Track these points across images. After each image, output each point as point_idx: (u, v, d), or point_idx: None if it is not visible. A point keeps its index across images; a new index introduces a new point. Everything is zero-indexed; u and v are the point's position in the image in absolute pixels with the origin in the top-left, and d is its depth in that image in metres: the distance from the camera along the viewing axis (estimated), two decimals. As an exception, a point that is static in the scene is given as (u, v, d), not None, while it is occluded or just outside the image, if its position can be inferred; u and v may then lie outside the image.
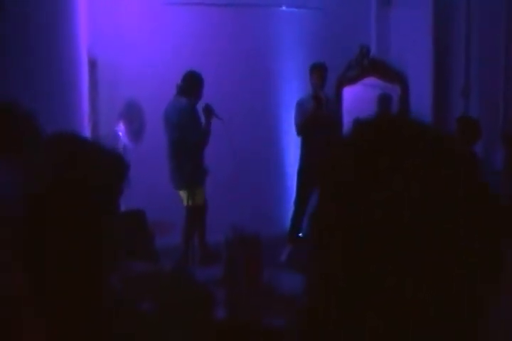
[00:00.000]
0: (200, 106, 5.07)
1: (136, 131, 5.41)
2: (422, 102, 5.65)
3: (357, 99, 6.18)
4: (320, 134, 5.29)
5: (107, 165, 1.15)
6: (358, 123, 0.63)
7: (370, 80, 6.09)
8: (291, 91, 6.08)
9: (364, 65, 5.98)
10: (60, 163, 1.08)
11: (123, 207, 5.33)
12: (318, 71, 5.34)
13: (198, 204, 4.98)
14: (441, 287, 0.52)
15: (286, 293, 1.92)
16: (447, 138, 0.59)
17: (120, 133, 5.31)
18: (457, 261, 0.52)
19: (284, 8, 6.16)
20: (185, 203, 4.98)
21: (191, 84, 5.03)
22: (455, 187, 0.54)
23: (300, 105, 5.43)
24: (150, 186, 5.69)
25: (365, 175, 0.56)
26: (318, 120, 5.29)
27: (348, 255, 0.54)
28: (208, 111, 4.99)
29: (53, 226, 1.02)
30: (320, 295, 0.58)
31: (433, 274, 0.52)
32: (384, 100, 6.14)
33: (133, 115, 5.36)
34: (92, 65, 5.69)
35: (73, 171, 1.08)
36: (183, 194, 5.01)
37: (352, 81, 6.08)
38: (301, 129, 5.37)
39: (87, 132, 5.13)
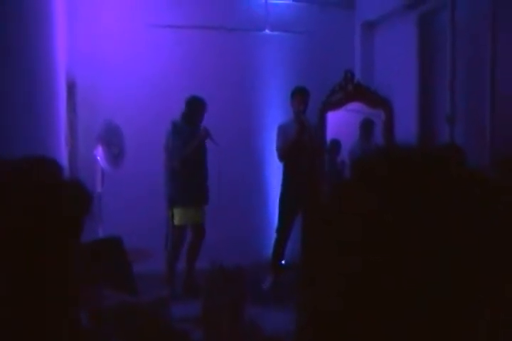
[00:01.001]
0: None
1: (115, 155, 5.27)
2: (406, 128, 5.59)
3: (340, 124, 6.12)
4: (302, 159, 5.22)
5: (68, 197, 1.06)
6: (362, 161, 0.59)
7: (354, 105, 6.03)
8: (274, 115, 6.01)
9: (348, 90, 5.92)
10: (20, 192, 1.00)
11: (101, 234, 5.20)
12: (299, 95, 5.28)
13: (176, 225, 4.97)
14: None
15: (271, 332, 1.77)
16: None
17: (98, 158, 5.16)
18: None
19: (267, 31, 6.12)
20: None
21: (190, 109, 5.04)
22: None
23: (282, 129, 5.34)
24: (128, 211, 5.55)
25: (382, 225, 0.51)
26: (300, 145, 5.20)
27: (344, 298, 0.51)
28: (204, 134, 4.99)
29: (7, 257, 0.94)
30: (311, 335, 0.55)
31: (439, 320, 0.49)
32: (366, 125, 6.09)
33: (112, 139, 5.22)
34: (71, 86, 5.57)
35: (30, 201, 0.99)
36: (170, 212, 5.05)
37: (336, 106, 6.01)
38: (283, 154, 5.28)
39: (64, 155, 4.98)
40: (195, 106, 5.02)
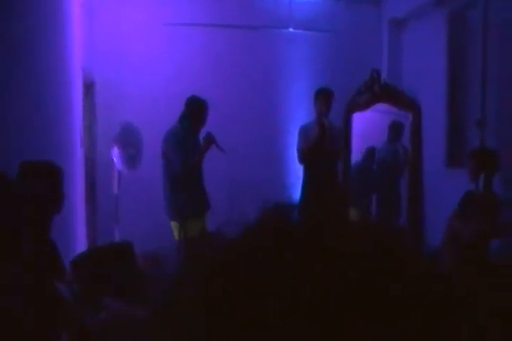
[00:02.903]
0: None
1: (132, 157, 5.16)
2: (434, 130, 5.33)
3: (367, 125, 5.89)
4: (323, 162, 5.00)
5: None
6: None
7: (381, 106, 5.79)
8: (298, 116, 5.81)
9: (374, 90, 5.68)
10: None
11: (117, 236, 5.09)
12: (322, 97, 5.01)
13: (191, 236, 4.57)
14: None
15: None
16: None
17: (114, 159, 5.06)
18: None
19: (291, 29, 5.92)
20: (174, 236, 4.64)
21: (191, 110, 4.62)
22: None
23: (303, 131, 5.13)
24: (144, 213, 5.44)
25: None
26: (321, 147, 4.97)
27: None
28: (208, 140, 4.54)
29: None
30: None
31: None
32: (395, 128, 5.85)
33: (129, 140, 5.11)
34: (89, 86, 5.48)
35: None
36: (173, 225, 4.67)
37: (362, 106, 5.79)
38: (303, 157, 5.06)
39: (78, 156, 4.88)
40: (196, 108, 4.58)
